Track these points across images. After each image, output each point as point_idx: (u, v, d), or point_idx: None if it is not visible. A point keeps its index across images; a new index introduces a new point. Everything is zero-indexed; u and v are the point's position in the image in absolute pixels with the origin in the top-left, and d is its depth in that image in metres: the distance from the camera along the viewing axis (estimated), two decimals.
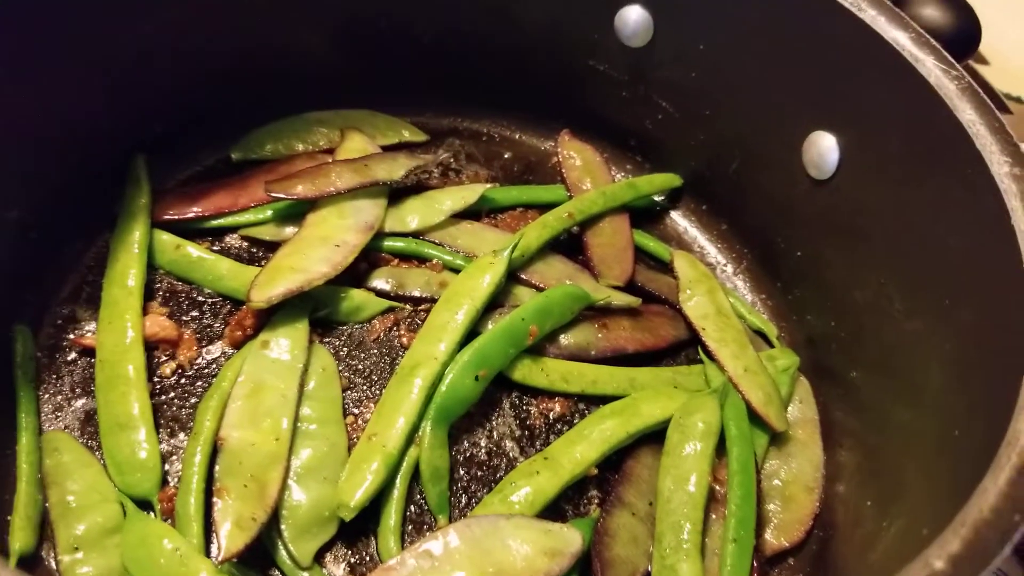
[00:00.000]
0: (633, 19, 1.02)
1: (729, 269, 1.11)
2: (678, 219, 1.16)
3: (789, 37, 0.90)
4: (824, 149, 0.91)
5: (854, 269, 0.91)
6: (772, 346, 1.01)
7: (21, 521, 0.72)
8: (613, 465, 0.86)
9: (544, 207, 1.07)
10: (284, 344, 0.85)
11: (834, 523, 0.84)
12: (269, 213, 0.99)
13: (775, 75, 0.94)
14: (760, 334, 1.03)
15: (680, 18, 0.99)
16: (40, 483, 0.76)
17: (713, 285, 1.03)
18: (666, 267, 1.07)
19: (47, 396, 0.84)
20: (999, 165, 0.70)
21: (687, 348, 1.01)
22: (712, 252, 1.13)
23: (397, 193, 1.04)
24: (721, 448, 0.86)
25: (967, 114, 0.73)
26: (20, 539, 0.71)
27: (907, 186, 0.82)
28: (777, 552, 0.84)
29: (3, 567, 0.36)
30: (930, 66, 0.77)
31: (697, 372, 0.97)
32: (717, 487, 0.84)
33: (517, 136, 1.20)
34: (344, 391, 0.88)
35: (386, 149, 1.09)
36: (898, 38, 0.79)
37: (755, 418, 0.89)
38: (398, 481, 0.80)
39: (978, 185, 0.71)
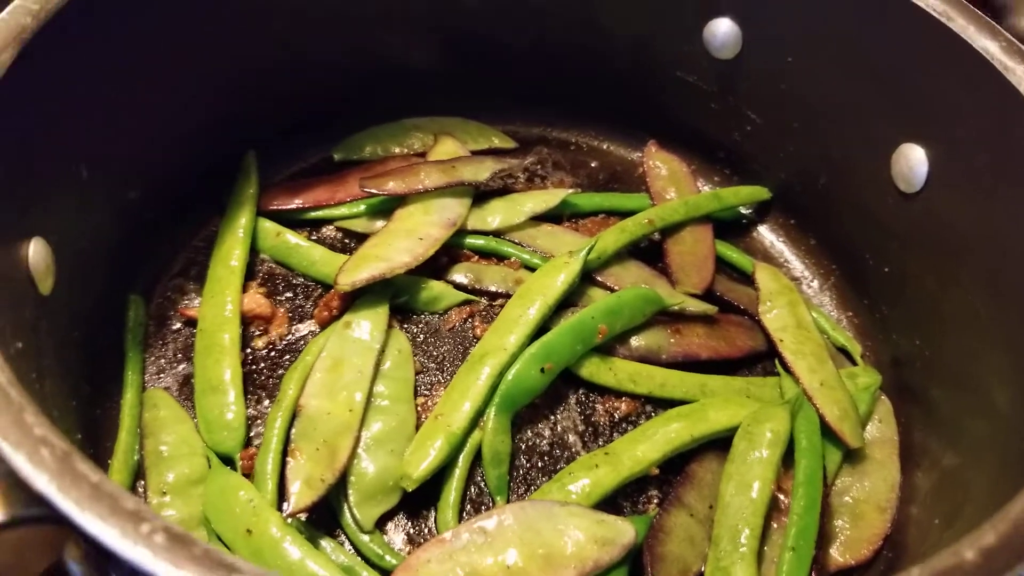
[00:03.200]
0: (722, 31, 1.03)
1: (816, 285, 1.09)
2: (765, 233, 1.15)
3: (878, 48, 0.89)
4: (913, 162, 0.89)
5: (942, 284, 0.88)
6: (855, 364, 0.99)
7: (119, 464, 0.79)
8: (676, 468, 0.86)
9: (626, 214, 1.08)
10: (365, 326, 0.91)
11: (904, 544, 0.81)
12: (363, 207, 1.06)
13: (864, 87, 0.93)
14: (844, 352, 1.00)
15: (769, 30, 0.99)
16: (138, 434, 0.83)
17: (795, 298, 1.02)
18: (748, 280, 1.06)
19: (152, 359, 0.92)
20: None
21: (764, 361, 1.00)
22: (799, 267, 1.11)
23: (482, 195, 1.08)
24: (789, 460, 0.84)
25: None
26: (116, 480, 0.78)
27: (997, 199, 0.80)
28: (841, 569, 0.81)
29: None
30: (1021, 75, 0.75)
31: (772, 384, 0.95)
32: (781, 497, 0.82)
33: (604, 146, 1.23)
34: (417, 374, 0.92)
35: (476, 154, 1.14)
36: (988, 47, 0.77)
37: (829, 433, 0.87)
38: (460, 461, 0.83)
39: None
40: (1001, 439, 0.68)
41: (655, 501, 0.85)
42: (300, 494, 0.74)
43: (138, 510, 0.43)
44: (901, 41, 0.86)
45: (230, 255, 0.96)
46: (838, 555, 0.82)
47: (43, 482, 0.46)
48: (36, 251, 0.72)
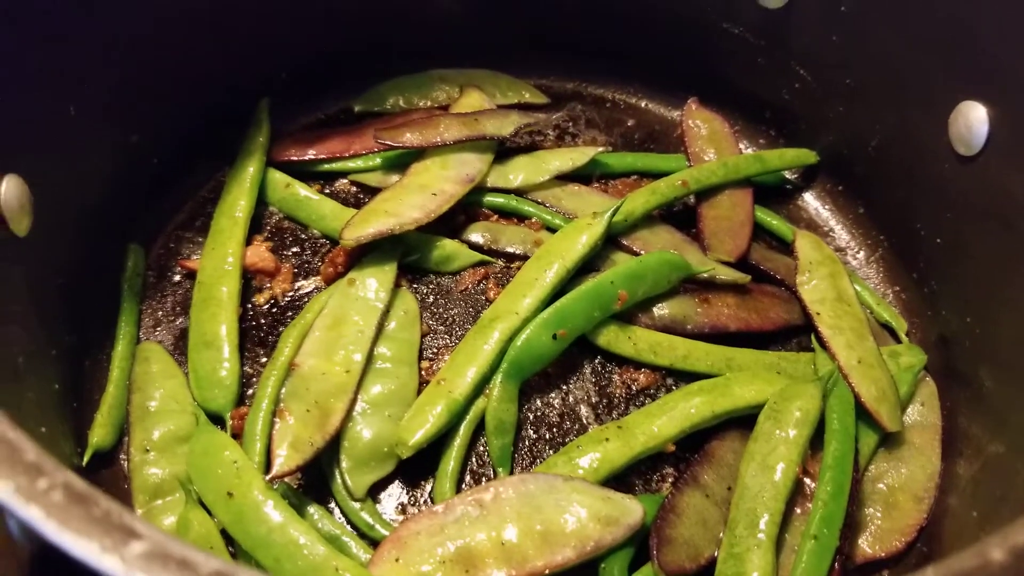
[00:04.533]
0: None
1: (862, 256, 1.01)
2: (810, 200, 1.07)
3: None
4: (973, 121, 0.81)
5: (998, 258, 0.80)
6: (900, 342, 0.91)
7: (103, 419, 0.77)
8: (695, 447, 0.80)
9: (660, 176, 1.01)
10: (370, 284, 0.86)
11: (939, 537, 0.75)
12: (378, 160, 1.01)
13: (921, 40, 0.85)
14: (888, 329, 0.93)
15: None
16: (127, 388, 0.80)
17: (837, 269, 0.94)
18: (789, 249, 0.99)
19: (150, 311, 0.89)
20: None
21: (800, 335, 0.93)
22: (844, 237, 1.03)
23: (507, 151, 1.02)
24: (819, 443, 0.77)
25: None
26: (99, 434, 0.76)
27: None
28: (870, 561, 0.75)
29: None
30: None
31: (806, 360, 0.88)
32: (808, 481, 0.76)
33: (643, 104, 1.15)
34: (424, 336, 0.88)
35: (503, 108, 1.08)
36: None
37: (865, 415, 0.80)
38: (462, 429, 0.79)
39: None
40: None
41: (670, 480, 0.80)
42: (287, 457, 0.71)
43: (39, 463, 0.39)
44: None
45: (235, 206, 0.92)
46: (867, 546, 0.76)
47: None
48: (10, 189, 0.68)
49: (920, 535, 0.76)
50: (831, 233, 1.04)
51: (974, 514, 0.69)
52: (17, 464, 0.39)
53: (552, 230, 0.96)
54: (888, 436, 0.81)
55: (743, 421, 0.81)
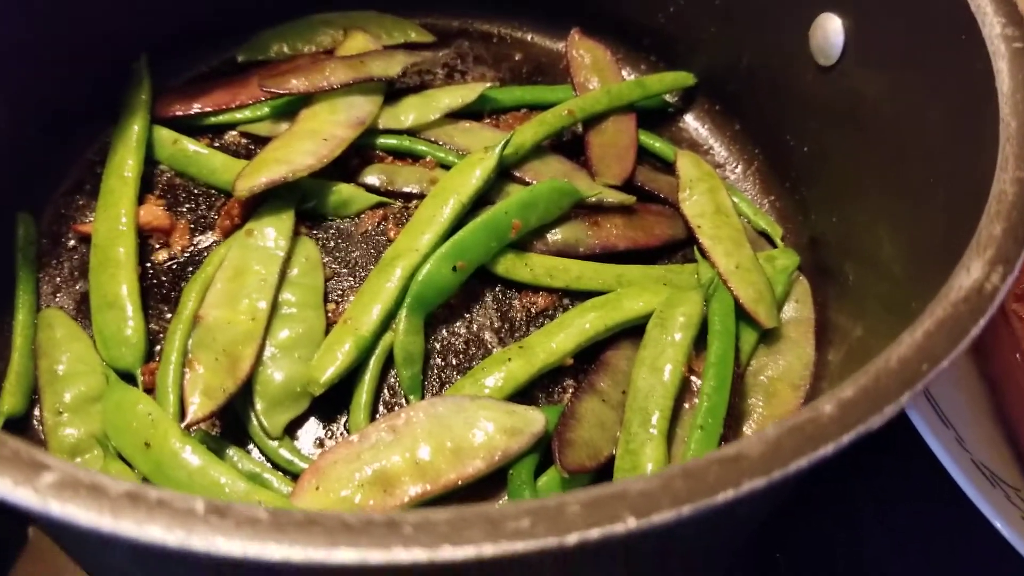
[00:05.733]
0: None
1: (739, 170, 1.07)
2: (690, 121, 1.12)
3: None
4: (830, 32, 0.88)
5: (856, 160, 0.87)
6: (776, 247, 0.98)
7: (11, 387, 0.77)
8: (592, 359, 0.85)
9: (549, 108, 1.04)
10: (268, 233, 0.87)
11: None
12: (266, 110, 1.01)
13: None
14: (765, 236, 0.99)
15: None
16: (33, 355, 0.81)
17: (715, 184, 1.00)
18: (672, 169, 1.04)
19: (47, 279, 0.88)
20: (991, 27, 0.64)
21: (685, 248, 0.98)
22: (723, 154, 1.09)
23: (397, 92, 1.04)
24: (704, 344, 0.84)
25: None
26: (9, 403, 0.76)
27: (907, 67, 0.77)
28: None
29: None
30: None
31: (690, 271, 0.94)
32: (694, 379, 0.82)
33: (528, 37, 1.18)
34: (328, 280, 0.90)
35: (389, 49, 1.08)
36: None
37: (745, 316, 0.86)
38: (371, 363, 0.82)
39: (970, 51, 0.66)
40: (897, 304, 0.68)
41: (570, 392, 0.85)
42: (200, 405, 0.73)
43: None
44: None
45: (123, 165, 0.91)
46: (750, 432, 0.83)
47: None
48: None
49: None
50: (711, 151, 1.09)
51: None
52: None
53: (447, 168, 0.99)
54: (767, 332, 0.88)
55: (634, 332, 0.86)
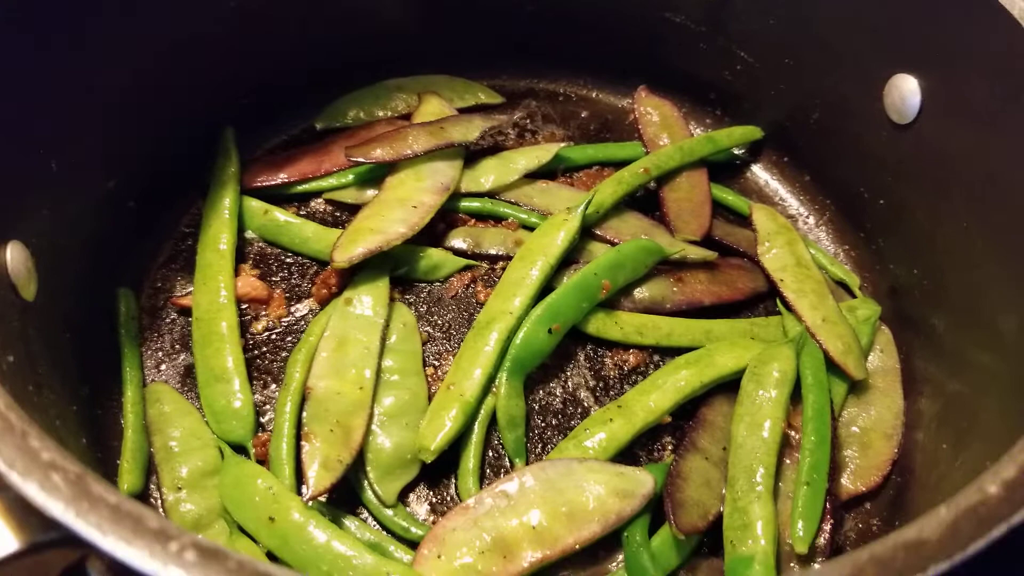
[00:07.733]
0: None
1: (811, 221, 1.09)
2: (759, 172, 1.14)
3: None
4: (906, 92, 0.89)
5: (937, 215, 0.88)
6: (854, 296, 0.99)
7: (128, 464, 0.79)
8: (687, 414, 0.86)
9: (620, 164, 1.07)
10: (366, 301, 0.89)
11: (911, 469, 0.83)
12: (351, 177, 1.03)
13: (855, 17, 0.92)
14: (843, 285, 1.01)
15: None
16: (145, 430, 0.82)
17: (793, 237, 1.01)
18: (746, 221, 1.06)
19: (149, 353, 0.90)
20: None
21: (766, 301, 1.00)
22: (794, 204, 1.11)
23: (473, 155, 1.06)
24: (797, 397, 0.85)
25: None
26: (128, 480, 0.78)
27: (989, 127, 0.79)
28: (853, 496, 0.84)
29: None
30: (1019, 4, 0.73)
31: (775, 323, 0.96)
32: (792, 433, 0.83)
33: (594, 95, 1.20)
34: (424, 344, 0.92)
35: (463, 112, 1.11)
36: None
37: (833, 367, 0.88)
38: (476, 428, 0.83)
39: None
40: (1007, 367, 0.69)
41: (670, 448, 0.86)
42: (319, 477, 0.74)
43: (163, 528, 0.42)
44: None
45: (218, 239, 0.94)
46: (849, 483, 0.84)
47: (59, 509, 0.45)
48: (14, 256, 0.69)
49: (894, 468, 0.84)
50: (781, 202, 1.11)
51: (944, 446, 0.77)
52: (145, 532, 0.42)
53: (529, 228, 1.01)
54: (855, 383, 0.89)
55: (728, 386, 0.88)
